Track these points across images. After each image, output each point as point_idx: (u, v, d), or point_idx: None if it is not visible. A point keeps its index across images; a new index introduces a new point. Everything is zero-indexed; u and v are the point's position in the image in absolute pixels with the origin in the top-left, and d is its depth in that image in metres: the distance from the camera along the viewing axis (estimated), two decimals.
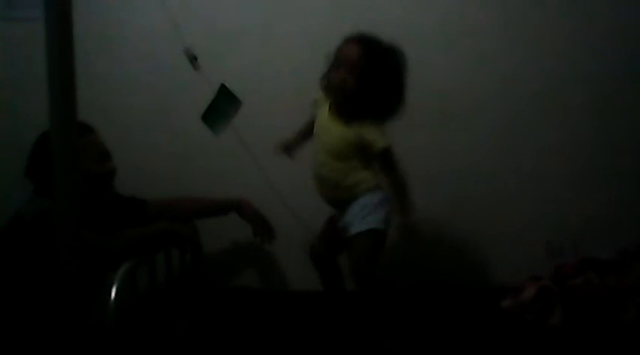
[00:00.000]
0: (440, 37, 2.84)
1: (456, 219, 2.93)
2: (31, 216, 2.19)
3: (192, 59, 2.79)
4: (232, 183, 2.94)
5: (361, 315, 2.37)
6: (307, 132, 2.52)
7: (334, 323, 2.47)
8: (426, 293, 2.44)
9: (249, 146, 2.85)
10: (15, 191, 2.36)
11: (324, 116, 2.38)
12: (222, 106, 2.77)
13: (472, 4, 2.87)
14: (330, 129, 2.33)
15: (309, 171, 2.73)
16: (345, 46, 2.29)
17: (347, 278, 2.48)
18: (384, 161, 2.30)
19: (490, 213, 2.92)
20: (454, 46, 2.86)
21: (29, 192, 2.33)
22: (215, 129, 2.78)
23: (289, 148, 2.57)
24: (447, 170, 2.90)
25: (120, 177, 2.51)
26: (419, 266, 2.41)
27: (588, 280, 2.40)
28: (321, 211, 2.84)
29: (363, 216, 2.30)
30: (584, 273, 2.44)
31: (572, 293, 2.39)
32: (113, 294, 1.94)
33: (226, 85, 2.73)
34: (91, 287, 1.48)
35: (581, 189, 2.86)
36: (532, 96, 2.86)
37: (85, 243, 1.33)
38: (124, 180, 2.55)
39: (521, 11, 2.86)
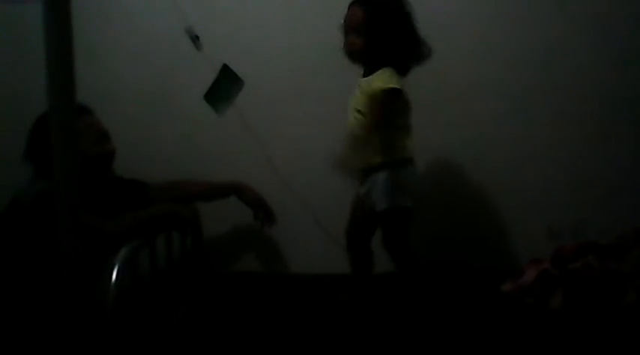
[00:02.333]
0: (442, 18, 2.81)
1: (455, 203, 2.93)
2: (31, 199, 2.18)
3: (194, 39, 2.79)
4: (234, 165, 2.93)
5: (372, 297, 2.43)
6: None
7: (336, 307, 2.48)
8: (425, 275, 2.44)
9: (250, 127, 2.84)
10: (15, 173, 2.35)
11: (356, 86, 2.39)
12: (224, 87, 2.77)
13: None
14: (356, 91, 2.36)
15: (310, 154, 2.74)
16: (348, 11, 2.34)
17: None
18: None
19: (490, 196, 2.91)
20: (455, 29, 2.83)
21: (29, 174, 2.32)
22: (218, 109, 2.79)
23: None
24: (447, 156, 2.89)
25: (120, 159, 2.51)
26: (418, 247, 2.41)
27: (588, 263, 2.40)
28: (323, 194, 2.86)
29: (389, 192, 2.30)
30: (584, 257, 2.44)
31: (572, 276, 2.39)
32: (114, 277, 1.94)
33: (228, 64, 2.73)
34: (91, 270, 1.48)
35: (582, 173, 2.85)
36: (530, 82, 2.84)
37: (85, 225, 1.32)
38: (124, 162, 2.54)
39: None
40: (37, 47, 1.29)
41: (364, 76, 2.36)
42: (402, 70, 2.32)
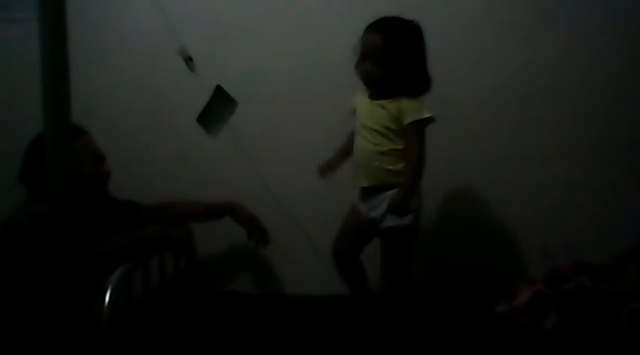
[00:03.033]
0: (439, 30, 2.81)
1: (449, 223, 2.93)
2: (26, 220, 2.18)
3: (188, 59, 2.80)
4: (227, 185, 2.93)
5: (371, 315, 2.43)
6: (348, 147, 2.51)
7: (332, 327, 2.48)
8: (419, 295, 2.44)
9: (244, 148, 2.85)
10: (10, 194, 2.34)
11: (365, 104, 2.39)
12: (217, 108, 2.78)
13: None
14: (375, 110, 2.34)
15: (304, 174, 2.74)
16: (365, 36, 2.34)
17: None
18: (414, 132, 2.30)
19: (485, 216, 2.91)
20: (454, 45, 2.85)
21: (24, 196, 2.32)
22: (211, 130, 2.80)
23: (331, 167, 2.58)
24: (440, 177, 2.89)
25: (114, 180, 2.50)
26: (413, 266, 2.41)
27: (582, 284, 2.40)
28: (317, 215, 2.86)
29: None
30: (577, 277, 2.44)
31: (566, 297, 2.39)
32: (107, 299, 1.94)
33: (222, 86, 2.74)
34: (85, 291, 1.47)
35: (576, 193, 2.86)
36: (524, 107, 2.87)
37: (79, 247, 1.32)
38: (118, 183, 2.54)
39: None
40: (34, 68, 1.29)
41: (375, 97, 2.36)
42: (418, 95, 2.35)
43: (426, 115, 2.29)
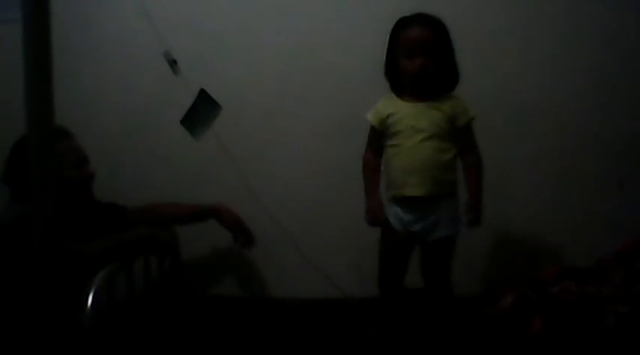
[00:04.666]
0: None
1: None
2: (8, 222, 2.16)
3: (172, 63, 2.80)
4: (212, 188, 2.92)
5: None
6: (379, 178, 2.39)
7: (318, 330, 2.47)
8: (404, 300, 2.43)
9: (229, 151, 2.84)
10: None
11: (410, 108, 2.27)
12: (201, 111, 2.78)
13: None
14: (427, 113, 2.26)
15: (289, 177, 2.74)
16: (410, 31, 2.25)
17: None
18: (471, 133, 2.29)
19: None
20: None
21: (7, 198, 2.30)
22: (194, 133, 2.79)
23: (381, 212, 2.35)
24: None
25: (98, 183, 2.49)
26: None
27: (567, 288, 2.41)
28: (302, 218, 2.85)
29: (455, 218, 2.30)
30: (562, 281, 2.45)
31: (551, 301, 2.39)
32: (90, 301, 1.92)
33: (206, 89, 2.73)
34: (69, 294, 1.46)
35: (561, 198, 2.87)
36: (510, 115, 2.87)
37: (63, 249, 1.31)
38: (102, 186, 2.52)
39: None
40: (18, 69, 1.28)
41: (419, 99, 2.28)
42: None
43: (474, 114, 2.28)
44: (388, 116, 2.29)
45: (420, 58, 2.21)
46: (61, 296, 1.30)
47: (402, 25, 2.28)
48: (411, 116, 2.26)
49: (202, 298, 2.88)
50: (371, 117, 2.33)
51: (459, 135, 2.27)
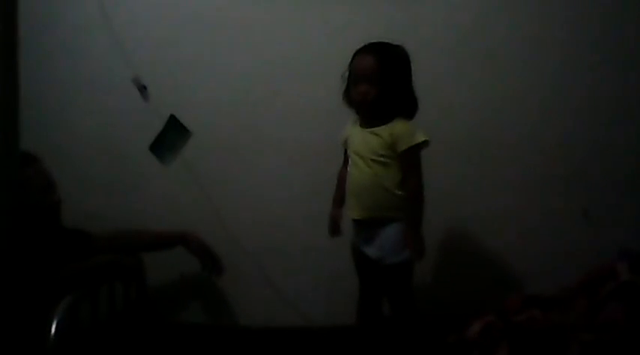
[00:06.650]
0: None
1: None
2: None
3: (142, 88, 2.79)
4: (180, 215, 2.91)
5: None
6: (342, 193, 2.45)
7: None
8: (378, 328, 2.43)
9: (198, 178, 2.84)
10: None
11: (357, 133, 2.35)
12: (171, 137, 2.77)
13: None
14: (368, 139, 2.30)
15: (258, 205, 2.73)
16: (357, 59, 2.31)
17: None
18: (410, 160, 2.28)
19: (441, 247, 2.93)
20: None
21: None
22: (163, 159, 2.79)
23: (337, 224, 2.48)
24: None
25: (65, 208, 2.46)
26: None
27: (532, 316, 2.42)
28: (269, 244, 2.84)
29: (400, 245, 2.28)
30: (528, 309, 2.46)
31: (517, 329, 2.40)
32: (53, 329, 1.90)
33: (175, 115, 2.73)
34: (33, 322, 1.44)
35: (526, 225, 2.89)
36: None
37: (27, 277, 1.30)
38: (70, 211, 2.50)
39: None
40: None
41: (366, 125, 2.33)
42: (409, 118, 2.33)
43: (421, 139, 2.26)
44: (346, 139, 2.40)
45: (363, 86, 2.27)
46: (26, 325, 1.28)
47: (356, 53, 2.34)
48: (356, 141, 2.35)
49: (168, 326, 2.85)
50: (342, 138, 2.43)
51: (401, 162, 2.28)
